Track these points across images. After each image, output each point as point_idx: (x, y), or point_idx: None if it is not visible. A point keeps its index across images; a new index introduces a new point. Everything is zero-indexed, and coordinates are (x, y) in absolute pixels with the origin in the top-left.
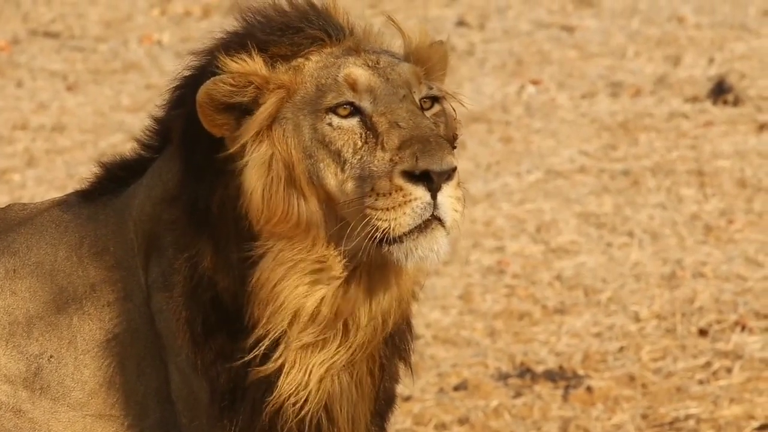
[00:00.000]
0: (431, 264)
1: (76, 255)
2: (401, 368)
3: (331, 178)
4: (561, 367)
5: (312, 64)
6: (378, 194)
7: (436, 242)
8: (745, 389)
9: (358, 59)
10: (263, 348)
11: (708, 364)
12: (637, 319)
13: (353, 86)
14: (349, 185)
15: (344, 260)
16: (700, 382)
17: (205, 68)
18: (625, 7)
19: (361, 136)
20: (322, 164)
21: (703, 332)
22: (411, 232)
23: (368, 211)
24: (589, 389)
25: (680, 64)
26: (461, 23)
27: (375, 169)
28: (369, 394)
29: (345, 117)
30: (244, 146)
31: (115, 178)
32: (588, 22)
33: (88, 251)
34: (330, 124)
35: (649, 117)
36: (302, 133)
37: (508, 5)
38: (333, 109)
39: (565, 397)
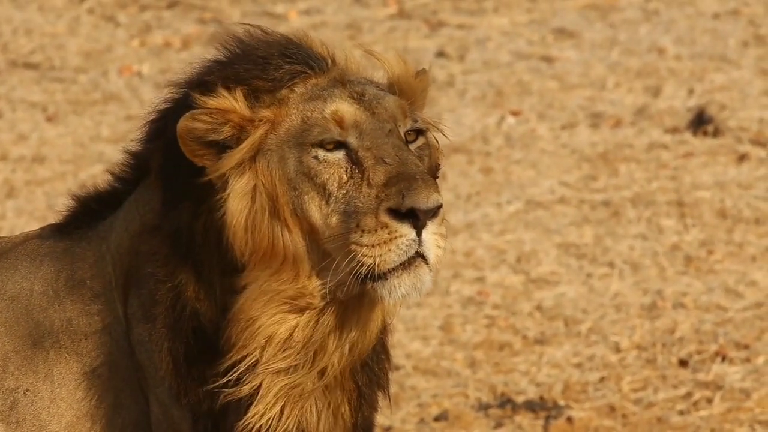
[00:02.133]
0: (413, 300)
1: (52, 289)
2: (380, 397)
3: (315, 210)
4: (541, 398)
5: (297, 96)
6: (363, 230)
7: (420, 279)
8: (726, 420)
9: (344, 92)
10: (237, 373)
11: (688, 395)
12: (617, 349)
13: (340, 123)
14: (334, 219)
15: (324, 292)
16: (681, 413)
17: (184, 101)
18: (605, 39)
19: (346, 171)
20: (306, 197)
21: (683, 363)
22: (395, 269)
23: (353, 246)
24: (569, 420)
25: (660, 95)
26: (441, 54)
27: (360, 205)
28: (347, 424)
29: (330, 150)
30: (225, 177)
31: (90, 211)
32: (568, 53)
33: (65, 285)
34: (316, 157)
35: (629, 148)
36: (287, 166)
37: (488, 36)
38: (320, 143)
39: (545, 428)
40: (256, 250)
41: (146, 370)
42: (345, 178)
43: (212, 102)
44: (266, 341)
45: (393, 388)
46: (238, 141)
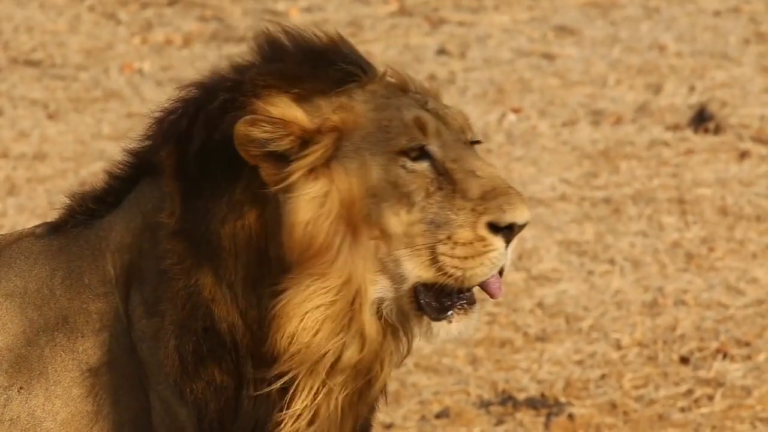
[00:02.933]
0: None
1: (47, 287)
2: (380, 401)
3: (393, 218)
4: (543, 395)
5: (360, 102)
6: (456, 243)
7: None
8: (727, 417)
9: (412, 100)
10: (279, 384)
11: (690, 392)
12: (618, 346)
13: (423, 130)
14: (417, 229)
15: (374, 307)
16: (682, 410)
17: (222, 102)
18: (606, 36)
19: (432, 182)
20: (385, 204)
21: (684, 360)
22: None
23: (442, 258)
24: (570, 417)
25: (661, 92)
26: (442, 52)
27: (454, 217)
28: (350, 422)
29: (415, 160)
30: (289, 182)
31: (87, 210)
32: (569, 50)
33: (61, 283)
34: (404, 167)
35: (630, 145)
36: (369, 173)
37: (489, 34)
38: (405, 152)
39: (546, 425)
40: (308, 251)
41: (148, 367)
42: (432, 189)
43: (275, 110)
44: (315, 361)
45: (394, 386)
46: (299, 150)
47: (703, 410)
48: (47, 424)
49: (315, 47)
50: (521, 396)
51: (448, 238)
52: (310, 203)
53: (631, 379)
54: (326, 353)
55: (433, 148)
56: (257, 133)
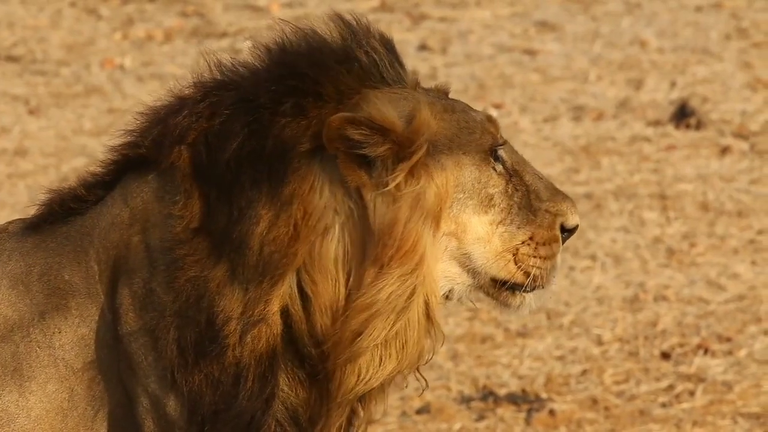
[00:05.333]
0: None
1: (22, 284)
2: None
3: (474, 217)
4: (524, 390)
5: (428, 104)
6: (538, 243)
7: (551, 292)
8: (708, 412)
9: (458, 101)
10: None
11: (671, 387)
12: (599, 342)
13: (497, 128)
14: (500, 229)
15: (446, 294)
16: (663, 405)
17: (293, 106)
18: (587, 31)
19: (508, 182)
20: (471, 202)
21: (665, 355)
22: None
23: (525, 258)
24: (551, 412)
25: (642, 87)
26: (423, 47)
27: (534, 218)
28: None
29: (496, 161)
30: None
31: (67, 208)
32: (550, 46)
33: (38, 279)
34: (494, 168)
35: (612, 140)
36: (463, 171)
37: (470, 29)
38: (492, 152)
39: (528, 421)
40: (405, 248)
41: (134, 361)
42: (509, 190)
43: (376, 114)
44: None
45: None
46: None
47: (684, 405)
48: (21, 420)
49: (363, 46)
50: (502, 391)
51: (530, 238)
52: (412, 201)
53: (612, 375)
54: (419, 351)
55: (503, 148)
56: (353, 133)
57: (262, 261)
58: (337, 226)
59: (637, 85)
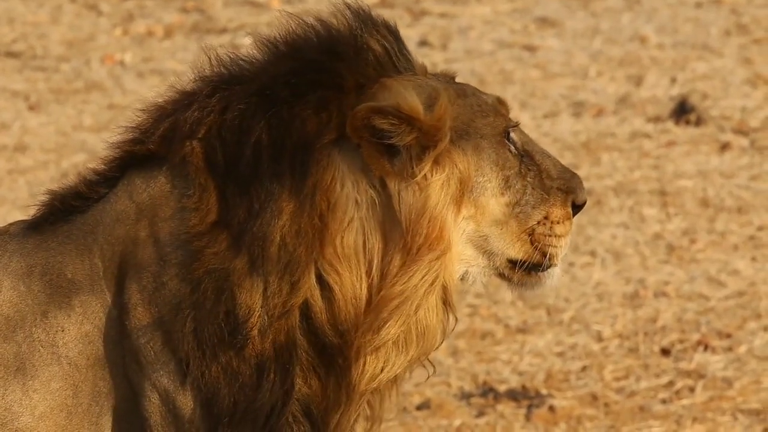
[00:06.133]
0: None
1: (23, 284)
2: None
3: (492, 199)
4: (524, 387)
5: (444, 90)
6: (553, 222)
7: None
8: (708, 408)
9: (468, 86)
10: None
11: (671, 384)
12: (599, 338)
13: (508, 110)
14: (516, 210)
15: (464, 278)
16: (663, 402)
17: (318, 100)
18: (587, 27)
19: (521, 162)
20: (489, 184)
21: (665, 351)
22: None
23: (542, 237)
24: (551, 408)
25: (642, 84)
26: (424, 43)
27: (548, 197)
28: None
29: (510, 143)
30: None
31: (68, 207)
32: (550, 42)
33: (40, 278)
34: (510, 150)
35: (612, 137)
36: (482, 155)
37: (471, 25)
38: (506, 134)
39: (528, 417)
40: (434, 235)
41: (143, 356)
42: (523, 170)
43: (403, 103)
44: (408, 337)
45: None
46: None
47: (684, 402)
48: (25, 418)
49: (373, 36)
50: (502, 388)
51: (545, 218)
52: (439, 189)
53: (612, 371)
54: (434, 335)
55: (514, 130)
56: (381, 123)
57: (286, 254)
58: (359, 217)
59: (637, 81)
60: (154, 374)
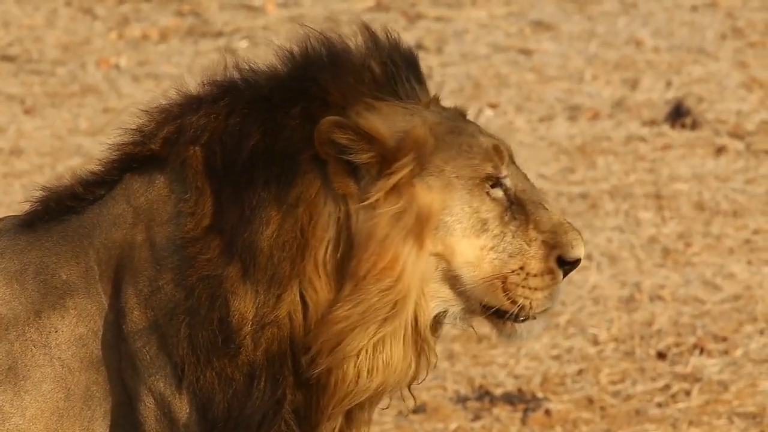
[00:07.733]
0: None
1: (17, 282)
2: None
3: (463, 240)
4: (520, 390)
5: (435, 124)
6: (528, 273)
7: (546, 323)
8: (704, 412)
9: (475, 126)
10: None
11: (667, 387)
12: (595, 341)
13: (501, 158)
14: (490, 256)
15: (432, 325)
16: (659, 405)
17: (303, 111)
18: (583, 31)
19: (506, 210)
20: (459, 225)
21: (661, 355)
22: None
23: (513, 287)
24: (547, 412)
25: (638, 87)
26: (419, 47)
27: (527, 248)
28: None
29: (493, 187)
30: (368, 196)
31: (64, 207)
32: (546, 45)
33: (34, 278)
34: (488, 194)
35: (607, 140)
36: (452, 194)
37: (466, 29)
38: (489, 179)
39: (524, 420)
40: (381, 265)
41: (139, 360)
42: (506, 218)
43: (364, 123)
44: (362, 369)
45: None
46: (378, 165)
47: (680, 405)
48: (15, 419)
49: (381, 58)
50: (498, 391)
51: (521, 268)
52: (390, 219)
53: (608, 375)
54: (401, 372)
55: (506, 178)
56: (341, 138)
57: (272, 266)
58: (337, 235)
59: (633, 84)
60: (150, 378)
